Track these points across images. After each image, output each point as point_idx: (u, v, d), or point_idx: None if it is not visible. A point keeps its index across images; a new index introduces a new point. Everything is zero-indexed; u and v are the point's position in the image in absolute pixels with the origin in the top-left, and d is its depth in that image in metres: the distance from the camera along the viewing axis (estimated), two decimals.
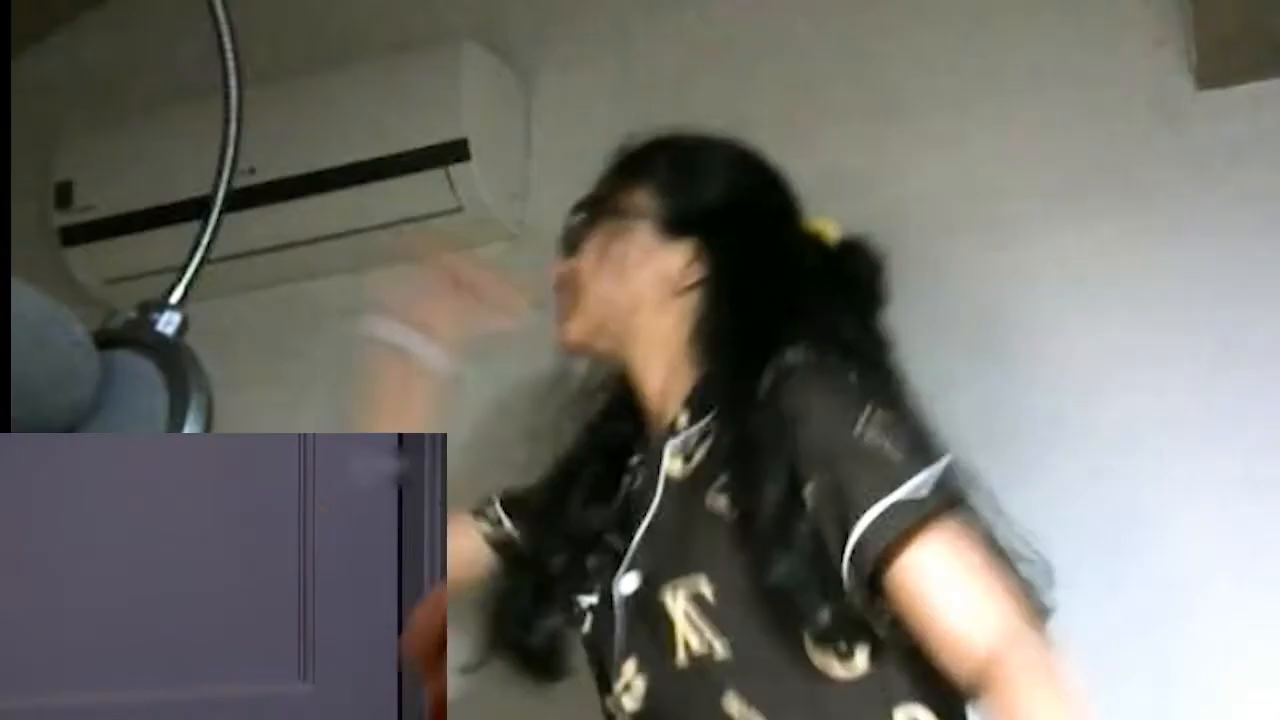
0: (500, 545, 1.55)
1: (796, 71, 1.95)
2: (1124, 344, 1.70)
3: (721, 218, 1.45)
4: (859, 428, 1.25)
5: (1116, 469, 1.66)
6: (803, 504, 1.24)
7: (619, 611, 1.37)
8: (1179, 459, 1.64)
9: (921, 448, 1.28)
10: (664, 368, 1.43)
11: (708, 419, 1.36)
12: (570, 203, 1.53)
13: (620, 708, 1.35)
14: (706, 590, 1.28)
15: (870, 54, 1.92)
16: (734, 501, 1.29)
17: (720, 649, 1.27)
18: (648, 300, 1.44)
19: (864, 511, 1.21)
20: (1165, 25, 1.75)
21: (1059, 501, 1.66)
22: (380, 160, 2.00)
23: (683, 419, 1.39)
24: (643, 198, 1.47)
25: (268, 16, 2.03)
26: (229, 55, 0.94)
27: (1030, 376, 1.72)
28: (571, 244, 1.51)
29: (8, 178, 1.97)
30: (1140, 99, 1.76)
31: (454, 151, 1.97)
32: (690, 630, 1.28)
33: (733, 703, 1.26)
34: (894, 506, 1.21)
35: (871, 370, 1.37)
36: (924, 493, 1.22)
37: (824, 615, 1.22)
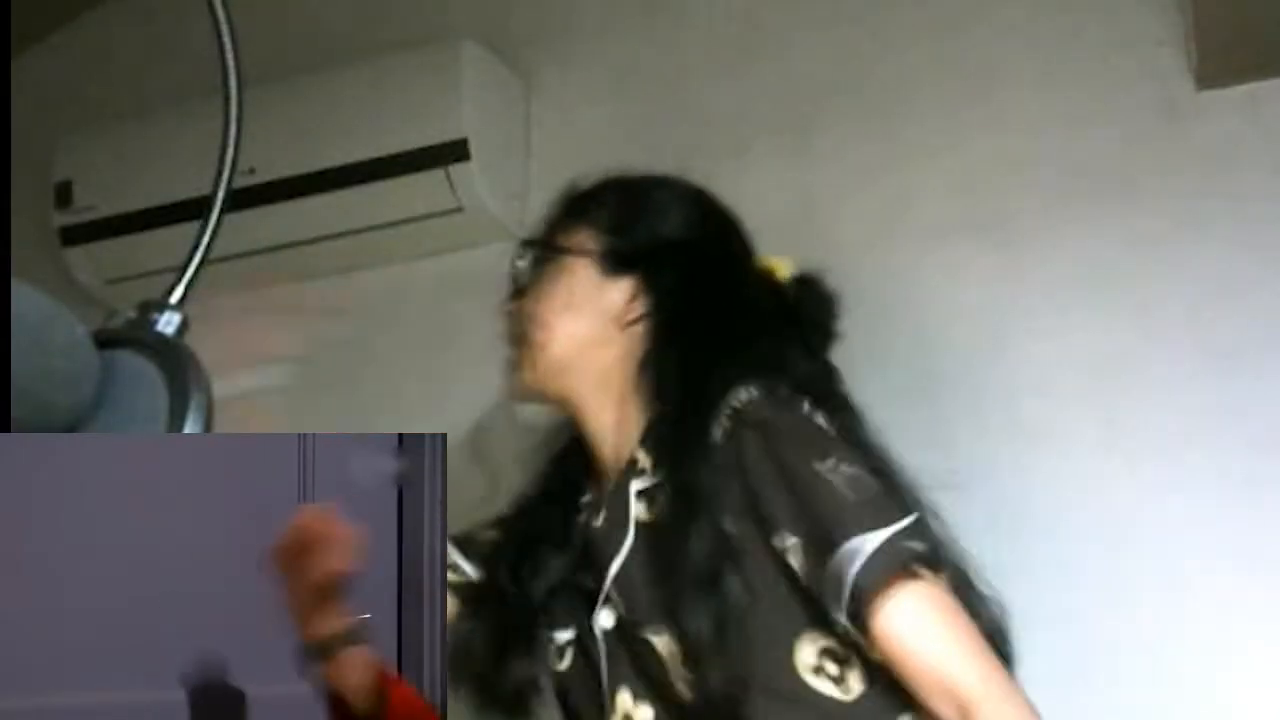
0: (460, 589, 1.53)
1: (796, 72, 1.95)
2: (1124, 343, 1.69)
3: (664, 254, 1.45)
4: (825, 473, 1.26)
5: (1115, 469, 1.66)
6: (752, 551, 1.27)
7: (601, 646, 1.38)
8: (1178, 458, 1.64)
9: (885, 484, 1.30)
10: (614, 403, 1.43)
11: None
12: None
13: None
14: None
15: (869, 54, 1.91)
16: (664, 548, 1.30)
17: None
18: (590, 337, 1.44)
19: (843, 558, 1.22)
20: (1165, 25, 1.75)
21: (1058, 501, 1.66)
22: (380, 160, 2.00)
23: (643, 458, 1.38)
24: (586, 236, 1.47)
25: (268, 16, 2.03)
26: (229, 55, 0.94)
27: (1030, 375, 1.72)
28: (517, 285, 1.51)
29: (8, 178, 1.97)
30: (1140, 99, 1.76)
31: (454, 151, 1.97)
32: (682, 669, 1.29)
33: None
34: (873, 552, 1.22)
35: (824, 401, 1.37)
36: (898, 537, 1.23)
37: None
